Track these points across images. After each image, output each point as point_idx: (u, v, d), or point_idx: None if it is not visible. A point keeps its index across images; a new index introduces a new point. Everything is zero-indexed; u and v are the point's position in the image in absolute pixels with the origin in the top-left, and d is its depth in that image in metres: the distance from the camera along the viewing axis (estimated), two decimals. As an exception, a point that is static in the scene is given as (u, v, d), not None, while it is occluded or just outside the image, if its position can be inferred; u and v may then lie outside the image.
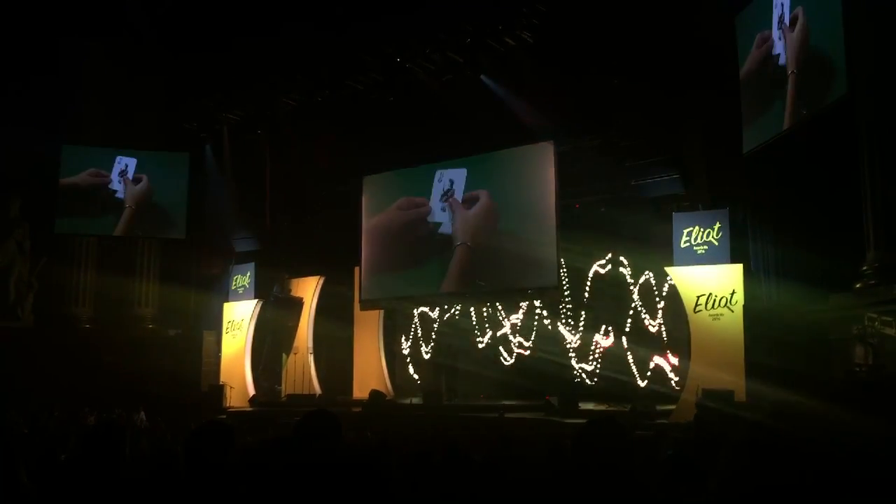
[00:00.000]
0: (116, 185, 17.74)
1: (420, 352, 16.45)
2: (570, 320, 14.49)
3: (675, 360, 12.84)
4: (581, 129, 13.86)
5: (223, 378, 16.78)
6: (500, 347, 15.45)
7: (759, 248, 11.33)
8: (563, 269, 14.06)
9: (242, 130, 17.92)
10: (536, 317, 14.95)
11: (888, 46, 8.59)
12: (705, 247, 11.61)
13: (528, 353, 15.07)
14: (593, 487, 2.28)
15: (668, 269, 12.21)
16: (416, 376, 16.43)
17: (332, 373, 16.96)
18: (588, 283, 14.29)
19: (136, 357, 16.62)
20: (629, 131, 13.19)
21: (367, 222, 16.32)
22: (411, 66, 15.13)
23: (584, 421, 2.73)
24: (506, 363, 15.32)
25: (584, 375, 14.10)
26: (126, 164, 17.81)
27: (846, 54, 8.34)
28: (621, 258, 13.84)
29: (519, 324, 15.27)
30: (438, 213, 15.26)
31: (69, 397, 13.84)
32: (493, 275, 14.47)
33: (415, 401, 14.20)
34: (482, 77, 14.56)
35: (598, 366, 13.97)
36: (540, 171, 14.05)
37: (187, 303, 18.45)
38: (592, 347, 14.09)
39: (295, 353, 16.78)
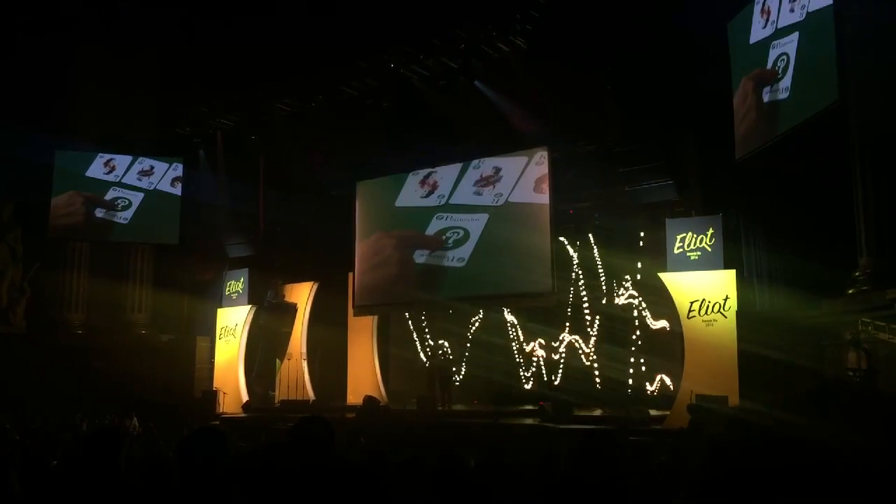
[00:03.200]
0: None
1: (414, 357, 16.43)
2: (563, 325, 14.50)
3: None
4: (575, 135, 13.90)
5: (216, 384, 16.73)
6: (496, 352, 15.44)
7: (752, 254, 11.36)
8: (556, 274, 14.07)
9: (236, 135, 17.91)
10: (531, 322, 14.96)
11: (879, 52, 8.64)
12: (698, 253, 11.63)
13: (521, 358, 15.08)
14: (587, 496, 2.28)
15: (661, 275, 12.23)
16: (409, 382, 16.41)
17: (325, 379, 16.91)
18: (582, 288, 14.32)
19: (129, 363, 16.57)
20: (623, 137, 13.23)
21: (360, 234, 16.31)
22: (405, 71, 15.15)
23: (577, 427, 2.76)
24: (501, 368, 15.31)
25: (578, 380, 14.11)
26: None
27: (837, 61, 8.38)
28: (614, 264, 13.87)
29: (514, 328, 15.28)
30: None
31: (61, 403, 13.77)
32: (489, 280, 14.47)
33: (409, 407, 14.18)
34: (476, 83, 14.58)
35: (593, 371, 13.99)
36: (534, 176, 14.06)
37: (180, 308, 18.39)
38: (586, 351, 14.11)
39: (289, 359, 16.74)
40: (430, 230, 15.25)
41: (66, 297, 17.89)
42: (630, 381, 13.52)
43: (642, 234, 13.55)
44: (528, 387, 14.81)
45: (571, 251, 14.46)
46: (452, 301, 15.19)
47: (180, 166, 18.23)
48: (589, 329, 14.22)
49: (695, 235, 11.70)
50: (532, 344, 14.98)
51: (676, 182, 12.88)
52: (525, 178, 14.21)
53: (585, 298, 14.33)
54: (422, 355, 16.36)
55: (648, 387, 13.27)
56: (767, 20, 9.96)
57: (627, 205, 13.67)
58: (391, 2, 13.85)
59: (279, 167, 17.58)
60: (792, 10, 9.36)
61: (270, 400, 16.86)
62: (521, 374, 15.06)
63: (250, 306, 17.09)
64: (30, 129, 16.04)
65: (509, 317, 15.34)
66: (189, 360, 17.30)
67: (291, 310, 17.09)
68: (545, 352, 14.77)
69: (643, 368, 13.41)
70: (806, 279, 9.71)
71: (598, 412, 12.45)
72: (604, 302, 14.12)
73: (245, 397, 16.58)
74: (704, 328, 11.26)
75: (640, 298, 13.54)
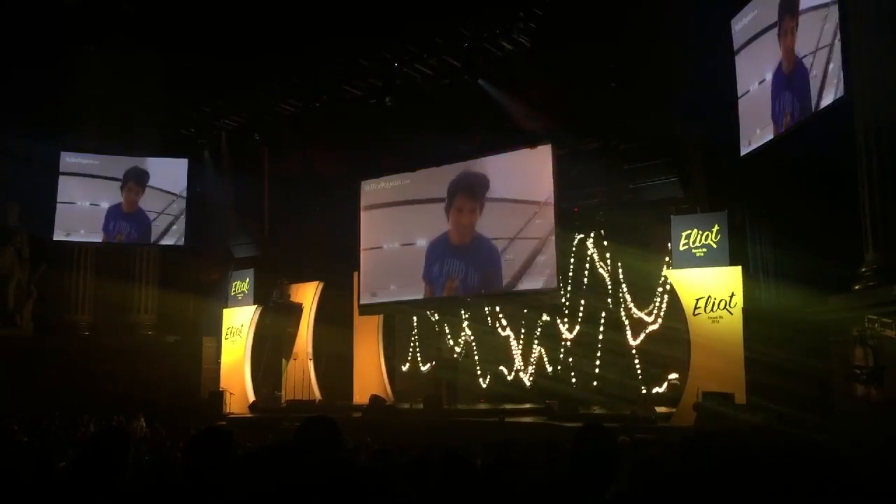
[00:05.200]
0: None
1: (420, 356, 16.43)
2: (569, 323, 14.47)
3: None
4: (579, 133, 13.88)
5: (223, 384, 16.74)
6: (501, 350, 15.44)
7: (758, 250, 11.32)
8: (561, 271, 14.05)
9: (240, 136, 17.94)
10: (536, 319, 14.95)
11: (886, 48, 8.60)
12: (704, 249, 11.60)
13: (527, 356, 15.07)
14: (590, 492, 2.28)
15: (666, 272, 12.20)
16: (415, 381, 16.41)
17: (331, 378, 16.93)
18: (587, 286, 14.29)
19: (136, 364, 16.59)
20: (627, 134, 13.20)
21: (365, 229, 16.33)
22: (409, 70, 15.15)
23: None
24: (506, 366, 15.31)
25: (584, 378, 14.09)
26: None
27: (843, 56, 8.35)
28: (620, 261, 13.84)
29: (519, 326, 15.26)
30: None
31: (68, 405, 13.80)
32: (493, 278, 14.47)
33: (415, 406, 14.19)
34: (480, 81, 14.57)
35: (598, 369, 13.96)
36: (539, 174, 14.05)
37: (186, 309, 18.41)
38: (592, 350, 14.09)
39: (295, 359, 16.76)
40: (435, 228, 15.27)
41: (72, 298, 17.93)
42: (638, 379, 13.50)
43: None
44: (532, 385, 14.77)
45: (576, 249, 14.42)
46: (458, 299, 15.20)
47: (185, 167, 18.28)
48: (594, 326, 14.18)
49: (700, 232, 11.67)
50: (538, 341, 14.95)
51: (681, 179, 12.84)
52: (529, 175, 14.18)
53: (591, 296, 14.29)
54: (427, 354, 16.34)
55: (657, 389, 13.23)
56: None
57: (632, 202, 13.64)
58: (394, 0, 13.85)
59: (283, 167, 17.60)
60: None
61: (277, 400, 16.89)
62: (527, 372, 15.03)
63: (256, 306, 17.11)
64: (35, 131, 16.09)
65: (515, 314, 15.31)
66: (195, 361, 17.33)
67: (297, 310, 17.11)
68: (551, 349, 14.74)
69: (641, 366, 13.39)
70: (812, 275, 9.67)
71: (604, 410, 12.45)
72: (607, 300, 14.07)
73: (251, 397, 16.60)
74: (710, 325, 11.24)
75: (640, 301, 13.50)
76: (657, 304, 13.31)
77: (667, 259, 12.60)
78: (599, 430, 2.68)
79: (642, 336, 13.52)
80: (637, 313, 13.62)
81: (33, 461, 4.67)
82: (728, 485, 1.11)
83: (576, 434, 2.62)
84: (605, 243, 14.10)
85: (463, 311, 15.86)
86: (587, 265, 14.34)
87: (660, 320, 13.27)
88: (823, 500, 1.07)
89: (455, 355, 15.72)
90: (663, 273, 12.54)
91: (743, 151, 10.61)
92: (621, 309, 13.83)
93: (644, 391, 13.05)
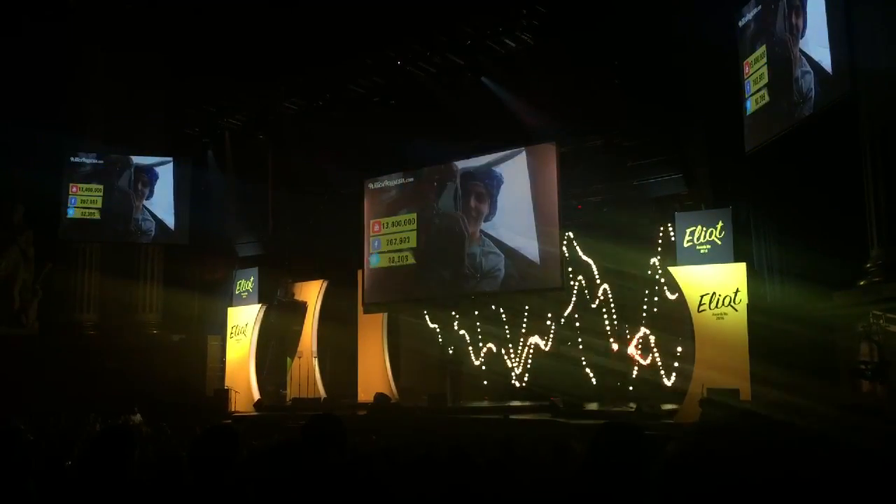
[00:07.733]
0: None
1: (424, 354, 16.45)
2: (573, 320, 14.48)
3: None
4: (583, 130, 13.87)
5: (228, 383, 16.80)
6: (506, 348, 15.45)
7: (763, 247, 11.31)
8: (565, 269, 14.04)
9: (244, 135, 17.96)
10: (541, 317, 14.95)
11: (892, 42, 8.57)
12: (708, 246, 11.58)
13: (532, 354, 15.08)
14: (602, 491, 2.26)
15: (671, 269, 12.19)
16: (420, 379, 16.43)
17: (336, 376, 16.96)
18: (591, 283, 14.29)
19: (141, 363, 16.63)
20: (631, 131, 13.18)
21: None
22: (412, 68, 15.14)
23: (589, 422, 2.74)
24: (511, 364, 15.32)
25: (589, 376, 14.10)
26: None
27: (849, 51, 8.32)
28: (624, 258, 13.83)
29: (524, 324, 15.27)
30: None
31: (74, 404, 13.83)
32: (498, 275, 14.46)
33: (419, 403, 14.20)
34: (483, 79, 14.56)
35: (603, 366, 13.97)
36: (542, 171, 14.04)
37: (191, 308, 18.46)
38: (596, 347, 14.10)
39: (299, 357, 16.79)
40: (439, 225, 15.28)
41: (77, 297, 17.97)
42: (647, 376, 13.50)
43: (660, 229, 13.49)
44: (537, 382, 14.77)
45: (580, 246, 14.42)
46: (462, 297, 15.20)
47: (189, 166, 18.32)
48: (599, 323, 14.17)
49: (704, 229, 11.66)
50: (543, 339, 14.95)
51: (685, 175, 12.81)
52: (532, 173, 14.17)
53: (595, 293, 14.29)
54: (432, 352, 16.36)
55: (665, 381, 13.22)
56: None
57: (636, 199, 13.62)
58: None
59: (287, 166, 17.62)
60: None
61: (282, 398, 16.92)
62: (532, 369, 15.04)
63: (260, 305, 17.15)
64: (39, 131, 16.11)
65: (519, 312, 15.30)
66: (200, 359, 17.38)
67: (301, 308, 17.14)
68: (555, 347, 14.74)
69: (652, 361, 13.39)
70: (817, 271, 9.65)
71: (609, 407, 12.46)
72: (611, 298, 14.07)
73: (257, 396, 16.64)
74: (715, 322, 11.23)
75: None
76: (661, 300, 13.30)
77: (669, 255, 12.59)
78: (625, 430, 2.48)
79: (646, 333, 13.52)
80: (640, 310, 13.62)
81: (40, 460, 4.70)
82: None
83: (598, 432, 2.49)
84: (609, 240, 14.08)
85: (468, 309, 15.85)
86: (591, 262, 14.34)
87: (663, 317, 13.27)
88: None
89: (460, 353, 15.72)
90: (667, 269, 12.53)
91: (747, 147, 10.59)
92: (625, 306, 13.83)
93: (661, 386, 13.05)
